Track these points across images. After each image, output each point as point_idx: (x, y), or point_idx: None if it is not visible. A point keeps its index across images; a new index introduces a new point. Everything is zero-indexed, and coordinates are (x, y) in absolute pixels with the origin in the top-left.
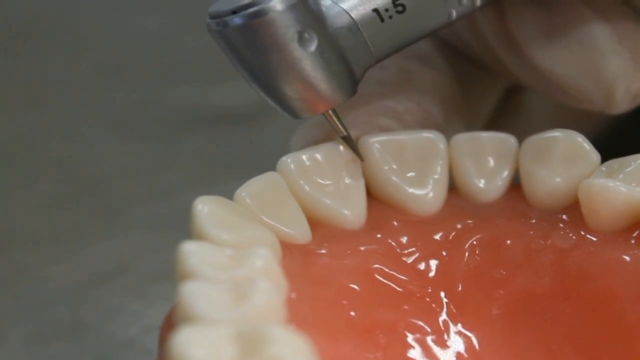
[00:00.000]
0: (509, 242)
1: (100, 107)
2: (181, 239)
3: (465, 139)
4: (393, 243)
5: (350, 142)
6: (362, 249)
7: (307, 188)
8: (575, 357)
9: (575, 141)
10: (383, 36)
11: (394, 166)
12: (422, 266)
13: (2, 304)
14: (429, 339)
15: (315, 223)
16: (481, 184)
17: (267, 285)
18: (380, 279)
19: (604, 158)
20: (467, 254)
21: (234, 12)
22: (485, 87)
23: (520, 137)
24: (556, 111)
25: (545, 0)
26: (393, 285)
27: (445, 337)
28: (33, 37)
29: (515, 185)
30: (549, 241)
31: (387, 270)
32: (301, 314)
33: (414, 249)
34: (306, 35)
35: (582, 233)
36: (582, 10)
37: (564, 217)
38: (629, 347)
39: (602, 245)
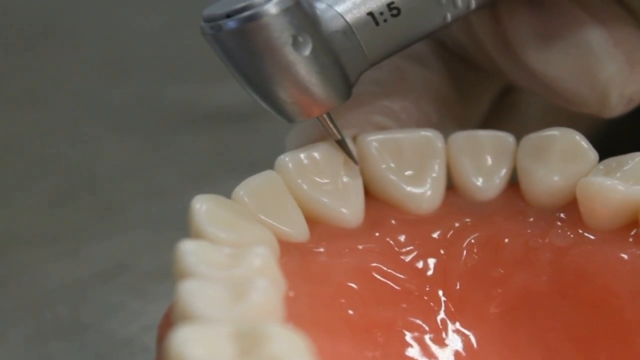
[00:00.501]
0: (507, 240)
1: (100, 106)
2: (180, 238)
3: (463, 138)
4: (391, 241)
5: (345, 146)
6: (360, 247)
7: (305, 187)
8: (573, 355)
9: (573, 140)
10: (378, 39)
11: (392, 165)
12: (420, 265)
13: (2, 302)
14: (427, 337)
15: (313, 222)
16: (479, 182)
17: (265, 284)
18: (379, 277)
19: (600, 157)
20: (465, 253)
21: (228, 15)
22: (479, 88)
23: (515, 138)
24: (550, 113)
25: (540, 3)
26: (391, 284)
27: (444, 335)
28: (32, 36)
29: (513, 183)
30: (547, 239)
31: (385, 268)
32: (299, 312)
33: (412, 247)
34: (300, 39)
35: (580, 231)
36: (577, 13)
37: (562, 215)
38: (626, 344)
39: (600, 243)
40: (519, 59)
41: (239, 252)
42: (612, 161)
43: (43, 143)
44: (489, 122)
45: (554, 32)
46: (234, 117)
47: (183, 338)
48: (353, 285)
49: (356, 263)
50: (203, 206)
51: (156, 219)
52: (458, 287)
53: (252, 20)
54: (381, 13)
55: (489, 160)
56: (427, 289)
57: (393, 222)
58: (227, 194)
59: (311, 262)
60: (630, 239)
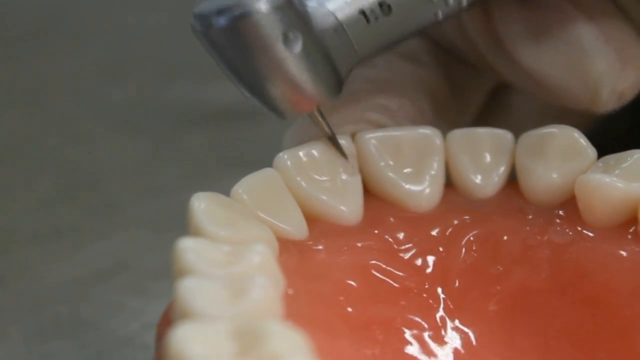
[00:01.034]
0: (505, 237)
1: (100, 105)
2: (180, 236)
3: (461, 135)
4: (390, 239)
5: (335, 142)
6: (359, 245)
7: (303, 184)
8: (571, 352)
9: (572, 137)
10: (368, 37)
11: (391, 162)
12: (419, 262)
13: (2, 301)
14: (426, 334)
15: (312, 219)
16: (478, 180)
17: (264, 282)
18: (377, 275)
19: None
20: (464, 250)
21: (219, 12)
22: (472, 86)
23: (513, 136)
24: (542, 110)
25: (531, 0)
26: (390, 281)
27: (442, 332)
28: (32, 35)
29: (512, 181)
30: (546, 237)
31: (384, 266)
32: (298, 309)
33: (410, 245)
34: (291, 36)
35: (579, 229)
36: (568, 10)
37: (561, 212)
38: (625, 341)
39: (599, 240)
40: (511, 55)
41: (238, 250)
42: (611, 158)
43: (44, 142)
44: (481, 119)
45: (545, 28)
46: (234, 115)
47: (182, 336)
48: (352, 282)
49: (355, 260)
50: (202, 204)
51: (157, 218)
52: (457, 284)
53: (243, 18)
54: (372, 11)
55: (488, 158)
56: (426, 286)
57: (392, 219)
58: (227, 192)
59: (310, 259)
60: (629, 236)
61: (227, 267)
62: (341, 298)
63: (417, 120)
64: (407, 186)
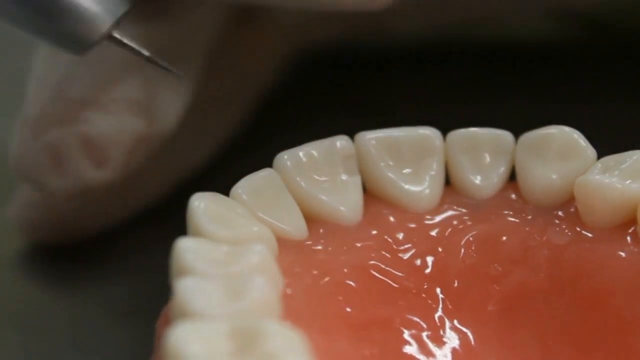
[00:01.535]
0: (504, 238)
1: None
2: None
3: (461, 136)
4: (389, 239)
5: (156, 61)
6: (358, 245)
7: (303, 184)
8: (570, 353)
9: (571, 137)
10: None
11: (390, 163)
12: (418, 262)
13: None
14: (424, 334)
15: (311, 219)
16: (477, 180)
17: (263, 281)
18: (377, 275)
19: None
20: (463, 251)
21: None
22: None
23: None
24: None
25: None
26: (389, 281)
27: (441, 333)
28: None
29: (512, 181)
30: (545, 237)
31: (383, 266)
32: (297, 309)
33: (410, 245)
34: None
35: (578, 229)
36: None
37: (560, 213)
38: (624, 342)
39: (598, 241)
40: None
41: (236, 250)
42: (610, 159)
43: None
44: None
45: None
46: None
47: (180, 335)
48: (351, 282)
49: (354, 261)
50: (201, 204)
51: None
52: (456, 284)
53: None
54: None
55: (488, 158)
56: (425, 286)
57: (391, 220)
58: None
59: (309, 259)
60: (628, 237)
61: (226, 266)
62: (340, 298)
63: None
64: (407, 186)
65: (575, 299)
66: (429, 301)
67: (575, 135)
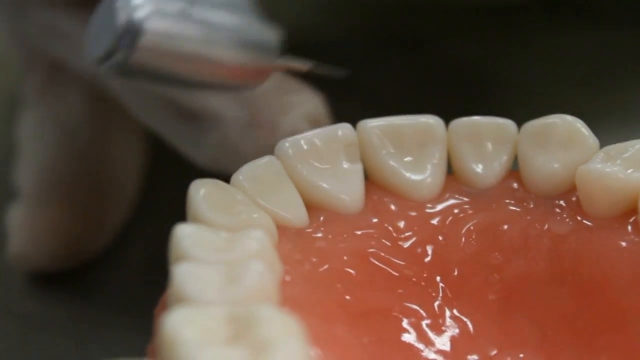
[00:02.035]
0: (505, 227)
1: None
2: None
3: (464, 124)
4: (390, 227)
5: (320, 69)
6: (359, 233)
7: (304, 172)
8: (569, 341)
9: (574, 127)
10: None
11: (392, 151)
12: (418, 251)
13: None
14: (424, 323)
15: (312, 207)
16: (479, 169)
17: (261, 267)
18: (376, 263)
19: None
20: (463, 239)
21: (111, 51)
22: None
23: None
24: None
25: None
26: (389, 270)
27: (441, 321)
28: None
29: (514, 170)
30: (546, 226)
31: (383, 254)
32: (295, 297)
33: (410, 233)
34: (188, 12)
35: (579, 218)
36: None
37: (561, 202)
38: (623, 332)
39: (599, 230)
40: None
41: (235, 236)
42: (612, 148)
43: None
44: None
45: None
46: None
47: (176, 320)
48: (350, 270)
49: (354, 248)
50: (201, 190)
51: None
52: (456, 273)
53: (142, 42)
54: None
55: (490, 147)
56: (425, 275)
57: (392, 208)
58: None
59: (309, 247)
60: (629, 227)
61: (224, 253)
62: (339, 286)
63: None
64: (408, 175)
65: (575, 288)
66: (429, 290)
67: (578, 124)
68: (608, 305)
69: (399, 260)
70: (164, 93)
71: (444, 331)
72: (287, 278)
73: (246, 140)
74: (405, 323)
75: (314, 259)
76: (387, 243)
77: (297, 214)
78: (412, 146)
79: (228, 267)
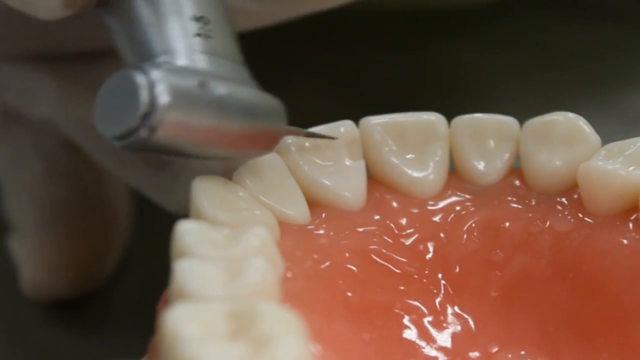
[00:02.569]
0: (507, 224)
1: None
2: None
3: (466, 121)
4: (392, 224)
5: (315, 135)
6: (361, 230)
7: (306, 169)
8: (570, 339)
9: (576, 124)
10: None
11: (395, 148)
12: (420, 248)
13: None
14: (425, 320)
15: (314, 203)
16: (481, 166)
17: (262, 264)
18: (378, 260)
19: None
20: (465, 236)
21: (143, 118)
22: None
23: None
24: None
25: None
26: (390, 267)
27: (442, 318)
28: None
29: (515, 168)
30: (548, 224)
31: (385, 251)
32: (296, 293)
33: (412, 230)
34: (205, 83)
35: (581, 216)
36: None
37: (563, 200)
38: (623, 329)
39: (600, 228)
40: None
41: (237, 233)
42: (614, 146)
43: None
44: None
45: None
46: None
47: (177, 316)
48: (352, 267)
49: (356, 245)
50: (203, 187)
51: None
52: (457, 270)
53: (160, 122)
54: None
55: (492, 144)
56: (427, 272)
57: (394, 205)
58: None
59: (311, 243)
60: (630, 224)
61: (225, 249)
62: (340, 282)
63: None
64: (411, 172)
65: (576, 285)
66: (430, 286)
67: (580, 122)
68: (609, 302)
69: (400, 257)
70: None
71: (445, 328)
72: (289, 274)
73: None
74: (406, 320)
75: (316, 256)
76: (389, 240)
77: (299, 211)
78: (415, 143)
79: (229, 263)
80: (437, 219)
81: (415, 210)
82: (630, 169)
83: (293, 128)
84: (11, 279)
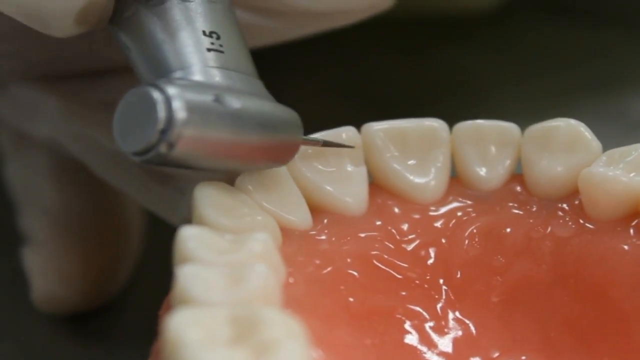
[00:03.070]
0: (508, 230)
1: None
2: None
3: (467, 127)
4: (393, 230)
5: (332, 144)
6: (362, 235)
7: (308, 174)
8: (571, 344)
9: (577, 130)
10: None
11: (396, 154)
12: (421, 253)
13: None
14: (426, 325)
15: (316, 209)
16: (482, 172)
17: (264, 269)
18: (380, 265)
19: None
20: (466, 242)
21: (162, 134)
22: None
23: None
24: None
25: None
26: (392, 272)
27: (443, 323)
28: None
29: (517, 174)
30: (549, 229)
31: (386, 256)
32: (298, 298)
33: (414, 236)
34: (221, 98)
35: (582, 222)
36: None
37: (564, 205)
38: (624, 335)
39: (601, 234)
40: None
41: (239, 238)
42: (615, 152)
43: None
44: None
45: None
46: None
47: (180, 321)
48: (354, 272)
49: (358, 251)
50: (206, 193)
51: None
52: (459, 276)
53: (178, 136)
54: None
55: (493, 151)
56: (428, 277)
57: (396, 210)
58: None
59: (313, 249)
60: (631, 230)
61: (228, 255)
62: (342, 288)
63: None
64: (412, 178)
65: (577, 290)
66: (432, 292)
67: (581, 128)
68: (610, 308)
69: (402, 262)
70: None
71: (446, 333)
72: (291, 280)
73: None
74: (408, 325)
75: (318, 261)
76: (391, 245)
77: (301, 217)
78: (416, 149)
79: (232, 269)
80: (438, 224)
81: (417, 216)
82: (631, 175)
83: (309, 138)
84: (23, 292)
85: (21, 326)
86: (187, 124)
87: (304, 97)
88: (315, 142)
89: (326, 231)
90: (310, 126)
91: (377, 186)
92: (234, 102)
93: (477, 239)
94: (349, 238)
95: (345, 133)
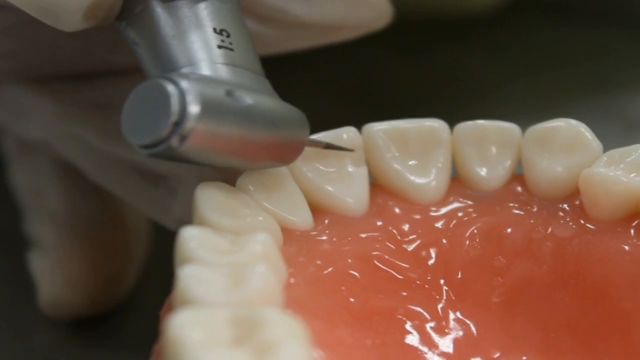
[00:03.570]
0: (509, 230)
1: None
2: None
3: (468, 128)
4: (394, 230)
5: (333, 146)
6: (363, 236)
7: (309, 175)
8: (572, 345)
9: (578, 131)
10: None
11: (397, 154)
12: (422, 254)
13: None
14: (427, 325)
15: (317, 210)
16: (483, 172)
17: (265, 270)
18: (380, 265)
19: None
20: (467, 242)
21: (174, 126)
22: None
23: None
24: None
25: None
26: (393, 272)
27: (444, 324)
28: None
29: (517, 174)
30: (549, 230)
31: (387, 257)
32: (299, 299)
33: (414, 236)
34: (233, 93)
35: (582, 222)
36: None
37: (565, 206)
38: (625, 335)
39: (602, 234)
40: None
41: (240, 239)
42: (616, 152)
43: None
44: None
45: None
46: None
47: (181, 322)
48: (355, 273)
49: (359, 251)
50: (207, 193)
51: None
52: (460, 276)
53: (189, 130)
54: None
55: (494, 151)
56: (429, 278)
57: (397, 211)
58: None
59: (313, 249)
60: (632, 230)
61: (229, 255)
62: (343, 288)
63: None
64: (413, 178)
65: (578, 291)
66: (432, 292)
67: (582, 129)
68: (611, 309)
69: (403, 263)
70: (124, 159)
71: (447, 334)
72: (292, 280)
73: None
74: (408, 325)
75: (319, 262)
76: (392, 246)
77: (302, 217)
78: (417, 149)
79: (233, 270)
80: (439, 225)
81: (418, 217)
82: (632, 175)
83: (312, 139)
84: (29, 296)
85: (27, 330)
86: (201, 117)
87: (304, 97)
88: (318, 144)
89: (327, 231)
90: (311, 126)
91: (378, 186)
92: (245, 98)
93: (477, 240)
94: (349, 238)
95: (346, 133)
